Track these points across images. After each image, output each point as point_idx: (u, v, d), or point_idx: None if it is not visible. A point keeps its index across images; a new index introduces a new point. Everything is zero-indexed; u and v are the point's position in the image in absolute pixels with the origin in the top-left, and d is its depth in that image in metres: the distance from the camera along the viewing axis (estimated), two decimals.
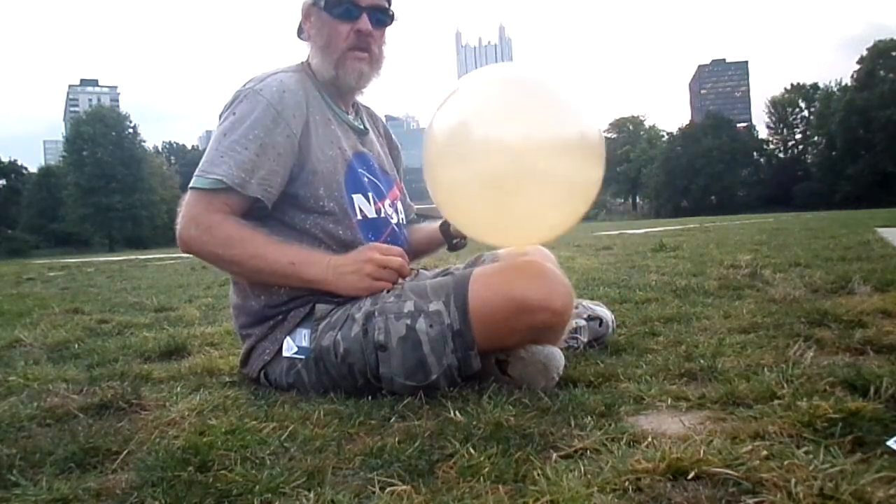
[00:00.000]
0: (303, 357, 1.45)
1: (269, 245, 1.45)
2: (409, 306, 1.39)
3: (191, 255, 1.49)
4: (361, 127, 1.68)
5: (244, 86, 1.51)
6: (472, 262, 1.72)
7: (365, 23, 1.53)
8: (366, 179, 1.60)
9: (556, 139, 1.33)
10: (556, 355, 1.40)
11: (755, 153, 64.57)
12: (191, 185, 1.45)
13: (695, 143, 60.81)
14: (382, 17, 1.56)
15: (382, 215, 1.61)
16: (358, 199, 1.56)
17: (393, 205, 1.69)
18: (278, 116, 1.45)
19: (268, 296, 1.50)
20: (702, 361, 1.51)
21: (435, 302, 1.38)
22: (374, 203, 1.60)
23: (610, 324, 1.82)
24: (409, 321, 1.37)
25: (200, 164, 1.46)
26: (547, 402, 1.26)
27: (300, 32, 1.63)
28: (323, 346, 1.43)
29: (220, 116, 1.51)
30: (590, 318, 1.78)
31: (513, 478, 0.93)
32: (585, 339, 1.76)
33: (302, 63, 1.63)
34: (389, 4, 1.58)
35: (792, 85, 65.56)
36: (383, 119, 1.87)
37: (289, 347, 1.48)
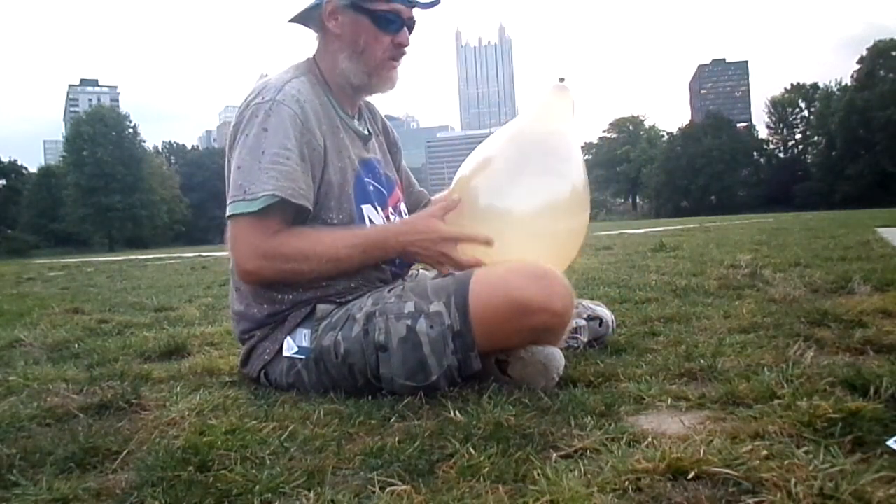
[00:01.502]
0: (303, 357, 1.45)
1: (338, 244, 1.45)
2: (409, 307, 1.39)
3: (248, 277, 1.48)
4: (366, 132, 1.66)
5: (261, 97, 1.45)
6: None
7: (405, 36, 1.53)
8: (371, 188, 1.59)
9: (552, 202, 1.53)
10: (556, 355, 1.40)
11: (755, 153, 64.51)
12: (235, 211, 1.39)
13: (695, 143, 60.77)
14: (412, 28, 1.57)
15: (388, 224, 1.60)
16: (367, 209, 1.55)
17: (396, 209, 1.67)
18: (304, 127, 1.43)
19: (271, 304, 1.50)
20: (702, 361, 1.51)
21: (436, 303, 1.38)
22: (380, 211, 1.59)
23: (610, 324, 1.82)
24: (409, 322, 1.37)
25: (237, 186, 1.40)
26: (547, 402, 1.26)
27: (307, 20, 1.56)
28: (323, 346, 1.43)
29: (240, 132, 1.44)
30: (590, 318, 1.78)
31: (513, 478, 0.93)
32: (585, 339, 1.76)
33: (308, 61, 1.59)
34: None
35: (792, 85, 65.50)
36: (381, 113, 1.83)
37: (289, 347, 1.47)
